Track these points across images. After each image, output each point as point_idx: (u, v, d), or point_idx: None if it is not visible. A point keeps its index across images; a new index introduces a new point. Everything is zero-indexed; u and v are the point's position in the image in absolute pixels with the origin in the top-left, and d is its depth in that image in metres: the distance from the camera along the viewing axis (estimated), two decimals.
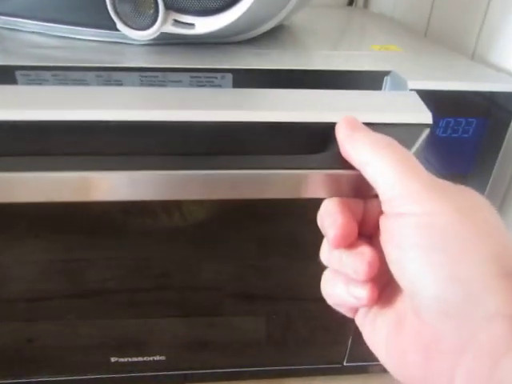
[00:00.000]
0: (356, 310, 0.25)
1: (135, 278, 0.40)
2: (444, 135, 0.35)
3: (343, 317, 0.44)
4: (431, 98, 0.33)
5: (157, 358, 0.43)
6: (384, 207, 0.21)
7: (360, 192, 0.24)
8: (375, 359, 0.47)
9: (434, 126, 0.34)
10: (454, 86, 0.32)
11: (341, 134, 0.23)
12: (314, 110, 0.26)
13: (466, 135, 0.35)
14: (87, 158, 0.24)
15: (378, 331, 0.23)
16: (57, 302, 0.40)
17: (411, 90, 0.32)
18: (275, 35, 0.44)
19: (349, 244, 0.22)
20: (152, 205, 0.36)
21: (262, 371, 0.49)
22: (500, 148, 0.36)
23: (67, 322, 0.42)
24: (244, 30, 0.37)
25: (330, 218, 0.22)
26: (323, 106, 0.27)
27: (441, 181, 0.20)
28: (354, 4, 0.72)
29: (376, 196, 0.21)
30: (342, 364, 0.47)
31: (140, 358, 0.43)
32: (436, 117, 0.33)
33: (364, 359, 0.47)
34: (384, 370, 0.53)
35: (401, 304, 0.22)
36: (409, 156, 0.21)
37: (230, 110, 0.26)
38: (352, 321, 0.44)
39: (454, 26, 0.48)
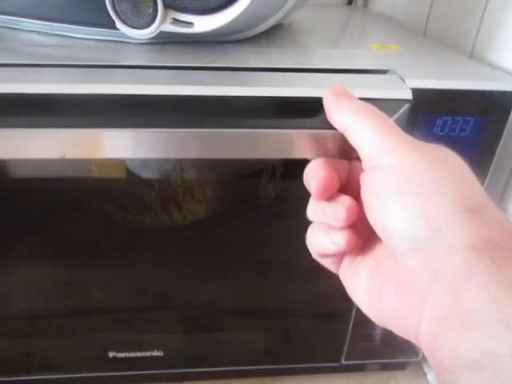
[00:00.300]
0: (339, 263, 0.26)
1: (135, 296, 0.42)
2: (441, 134, 0.35)
3: (341, 317, 0.45)
4: (429, 97, 0.33)
5: (155, 353, 0.43)
6: (364, 164, 0.23)
7: (344, 152, 0.26)
8: (372, 357, 0.48)
9: (431, 125, 0.34)
10: (451, 85, 0.32)
11: (327, 101, 0.25)
12: (304, 87, 0.30)
13: (463, 134, 0.35)
14: (96, 117, 0.27)
15: (358, 279, 0.25)
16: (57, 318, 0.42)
17: (410, 88, 0.32)
18: (275, 34, 0.44)
19: (331, 196, 0.24)
20: (153, 222, 0.38)
21: (260, 370, 0.49)
22: (497, 146, 0.36)
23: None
24: (243, 28, 0.38)
25: (314, 172, 0.24)
26: (312, 84, 0.31)
27: (414, 139, 0.22)
28: (353, 3, 0.72)
29: (358, 158, 0.23)
30: (340, 362, 0.48)
31: (138, 354, 0.43)
32: (434, 115, 0.34)
33: (361, 357, 0.47)
34: (381, 368, 0.53)
35: (379, 252, 0.24)
36: (385, 118, 0.23)
37: (230, 86, 0.30)
38: (349, 320, 0.45)
39: (453, 24, 0.48)
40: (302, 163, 0.25)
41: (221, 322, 0.45)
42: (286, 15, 0.41)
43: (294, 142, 0.27)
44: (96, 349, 0.43)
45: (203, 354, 0.47)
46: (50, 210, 0.37)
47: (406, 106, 0.31)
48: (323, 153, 0.26)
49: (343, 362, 0.48)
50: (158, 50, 0.36)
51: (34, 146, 0.26)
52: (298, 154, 0.27)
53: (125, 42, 0.37)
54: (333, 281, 0.40)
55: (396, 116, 0.29)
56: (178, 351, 0.45)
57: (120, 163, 0.35)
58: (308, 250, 0.26)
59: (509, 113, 0.34)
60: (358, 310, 0.44)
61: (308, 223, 0.26)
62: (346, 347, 0.46)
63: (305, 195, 0.26)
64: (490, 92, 0.33)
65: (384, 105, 0.27)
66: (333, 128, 0.24)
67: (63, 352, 0.44)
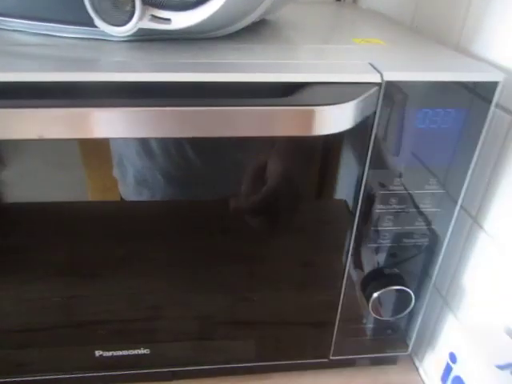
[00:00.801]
0: None
1: (127, 310, 0.42)
2: (422, 126, 0.35)
3: (327, 313, 0.45)
4: (407, 89, 0.33)
5: (141, 351, 0.43)
6: None
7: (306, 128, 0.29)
8: (361, 352, 0.48)
9: (411, 118, 0.34)
10: (429, 77, 0.32)
11: None
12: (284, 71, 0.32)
13: (445, 126, 0.35)
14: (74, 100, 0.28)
15: None
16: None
17: (387, 81, 0.32)
18: (258, 30, 0.44)
19: None
20: (146, 240, 0.39)
21: (250, 367, 0.49)
22: (479, 138, 0.36)
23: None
24: (222, 24, 0.38)
25: None
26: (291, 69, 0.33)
27: None
28: None
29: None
30: (329, 358, 0.47)
31: (125, 352, 0.43)
32: (413, 108, 0.34)
33: (349, 352, 0.47)
34: (371, 363, 0.53)
35: None
36: None
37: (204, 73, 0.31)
38: (335, 316, 0.45)
39: (439, 18, 0.48)
40: None
41: (211, 332, 0.46)
42: (268, 11, 0.41)
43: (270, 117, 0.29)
44: (82, 348, 0.43)
45: (192, 353, 0.47)
46: (37, 227, 0.38)
47: (374, 88, 0.31)
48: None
49: (331, 358, 0.47)
50: (138, 48, 0.36)
51: (11, 125, 0.27)
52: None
53: (106, 40, 0.37)
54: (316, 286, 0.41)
55: (361, 98, 0.30)
56: (165, 349, 0.45)
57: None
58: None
59: (490, 104, 0.34)
60: (344, 306, 0.44)
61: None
62: (333, 343, 0.46)
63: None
64: (471, 83, 0.33)
65: (353, 88, 0.30)
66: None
67: (49, 353, 0.44)
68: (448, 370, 0.36)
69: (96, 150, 0.36)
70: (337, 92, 0.31)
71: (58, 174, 0.36)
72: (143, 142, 0.35)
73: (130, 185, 0.37)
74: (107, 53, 0.36)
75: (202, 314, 0.44)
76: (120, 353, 0.43)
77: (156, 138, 0.35)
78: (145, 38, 0.37)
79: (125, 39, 0.37)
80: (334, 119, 0.29)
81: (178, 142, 0.35)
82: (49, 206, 0.37)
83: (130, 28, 0.34)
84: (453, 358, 0.35)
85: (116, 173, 0.37)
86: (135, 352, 0.43)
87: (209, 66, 0.32)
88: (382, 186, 0.37)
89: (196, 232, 0.40)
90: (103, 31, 0.36)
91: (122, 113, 0.28)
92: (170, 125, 0.29)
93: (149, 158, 0.36)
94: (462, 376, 0.34)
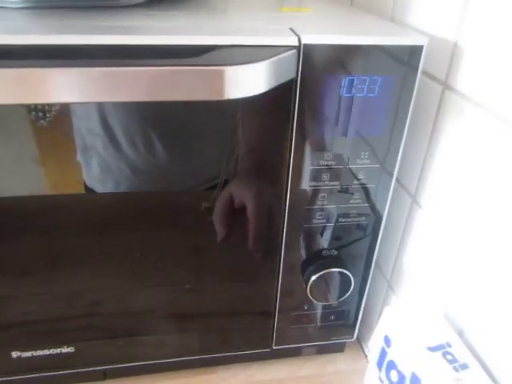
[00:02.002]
0: None
1: (65, 307, 0.39)
2: (348, 95, 0.32)
3: (264, 301, 0.43)
4: (329, 55, 0.31)
5: (64, 349, 0.40)
6: None
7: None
8: (305, 340, 0.46)
9: (336, 86, 0.32)
10: (350, 40, 0.30)
11: None
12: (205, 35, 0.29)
13: (372, 95, 0.33)
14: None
15: None
16: None
17: (305, 44, 0.30)
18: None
19: None
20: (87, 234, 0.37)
21: (190, 361, 0.46)
22: (409, 107, 0.34)
23: None
24: None
25: None
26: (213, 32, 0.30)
27: None
28: None
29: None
30: (271, 348, 0.45)
31: (46, 351, 0.39)
32: (336, 75, 0.32)
33: (292, 341, 0.45)
34: (318, 352, 0.51)
35: None
36: None
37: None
38: (273, 303, 0.43)
39: None
40: None
41: (152, 326, 0.43)
42: None
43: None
44: None
45: (126, 349, 0.43)
46: None
47: (291, 52, 0.29)
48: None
49: (274, 348, 0.45)
50: (40, 15, 0.33)
51: None
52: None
53: (3, 8, 0.34)
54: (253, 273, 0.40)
55: (274, 59, 0.28)
56: (92, 347, 0.42)
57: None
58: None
59: (417, 70, 0.33)
60: (283, 293, 0.42)
61: None
62: (274, 332, 0.44)
63: None
64: (395, 48, 0.31)
65: (269, 51, 0.28)
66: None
67: None
68: (383, 354, 0.34)
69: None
70: (250, 54, 0.28)
71: None
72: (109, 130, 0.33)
73: (94, 173, 0.35)
74: (3, 18, 0.32)
75: (138, 308, 0.41)
76: (41, 352, 0.40)
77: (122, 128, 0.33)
78: (49, 4, 0.33)
79: (23, 5, 0.33)
80: (246, 80, 0.27)
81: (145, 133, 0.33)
82: None
83: None
84: (387, 341, 0.33)
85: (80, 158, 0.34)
86: (57, 351, 0.40)
87: (110, 29, 0.29)
88: (312, 161, 0.35)
89: (140, 224, 0.37)
90: None
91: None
92: (76, 88, 0.26)
93: (114, 149, 0.34)
94: (395, 360, 0.32)
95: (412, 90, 0.33)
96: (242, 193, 0.36)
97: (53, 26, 0.31)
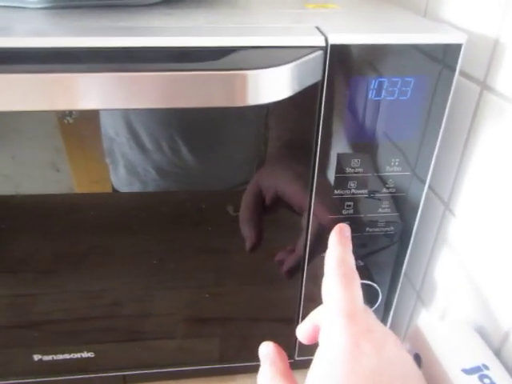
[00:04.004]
0: None
1: (86, 308, 0.39)
2: (378, 98, 0.30)
3: (288, 314, 0.41)
4: (360, 55, 0.29)
5: (84, 354, 0.39)
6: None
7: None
8: None
9: (364, 88, 0.30)
10: (382, 39, 0.28)
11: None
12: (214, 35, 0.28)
13: (404, 98, 0.31)
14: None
15: None
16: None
17: (332, 45, 0.28)
18: None
19: None
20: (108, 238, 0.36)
21: (212, 369, 0.45)
22: (444, 110, 0.31)
23: None
24: None
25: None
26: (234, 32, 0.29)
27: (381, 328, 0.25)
28: None
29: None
30: (294, 359, 0.44)
31: (66, 356, 0.39)
32: (365, 76, 0.29)
33: (313, 353, 0.43)
34: None
35: None
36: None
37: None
38: (297, 317, 0.41)
39: None
40: None
41: (172, 330, 0.42)
42: None
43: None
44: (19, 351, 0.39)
45: (145, 354, 0.43)
46: None
47: (318, 53, 0.27)
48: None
49: (297, 359, 0.44)
50: (58, 15, 0.32)
51: None
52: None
53: (22, 8, 0.33)
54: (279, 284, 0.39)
55: (298, 62, 0.26)
56: (112, 351, 0.41)
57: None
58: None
59: (454, 70, 0.30)
60: (305, 307, 0.40)
61: None
62: (297, 343, 0.42)
63: None
64: (430, 47, 0.29)
65: (293, 53, 0.26)
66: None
67: None
68: None
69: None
70: (273, 56, 0.26)
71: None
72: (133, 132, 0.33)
73: (121, 175, 0.34)
74: (22, 20, 0.32)
75: (161, 311, 0.41)
76: (61, 356, 0.40)
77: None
78: (67, 4, 0.33)
79: (41, 5, 0.32)
80: (269, 86, 0.25)
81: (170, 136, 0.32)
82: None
83: None
84: (417, 360, 0.31)
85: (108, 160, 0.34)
86: (78, 355, 0.39)
87: (127, 30, 0.28)
88: (338, 168, 0.33)
89: (167, 225, 0.36)
90: None
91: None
92: (96, 93, 0.24)
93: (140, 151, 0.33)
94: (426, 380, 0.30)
95: (448, 92, 0.31)
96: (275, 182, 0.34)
97: (70, 26, 0.29)
